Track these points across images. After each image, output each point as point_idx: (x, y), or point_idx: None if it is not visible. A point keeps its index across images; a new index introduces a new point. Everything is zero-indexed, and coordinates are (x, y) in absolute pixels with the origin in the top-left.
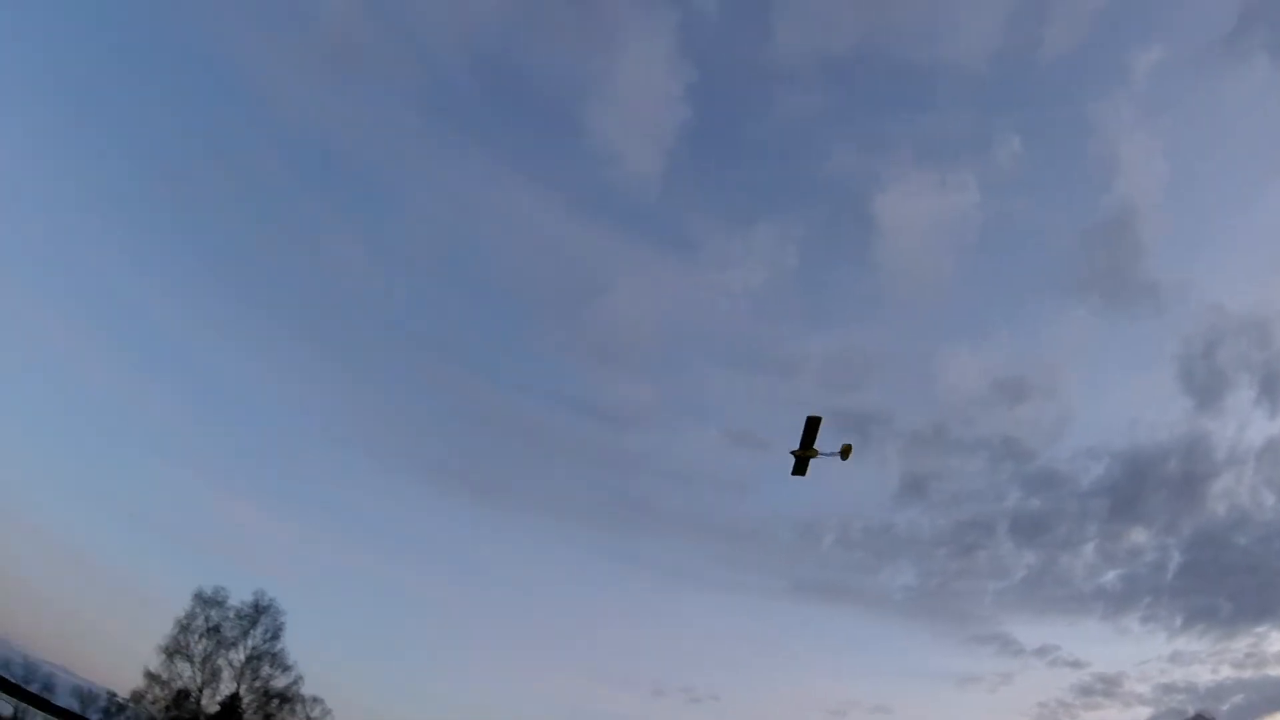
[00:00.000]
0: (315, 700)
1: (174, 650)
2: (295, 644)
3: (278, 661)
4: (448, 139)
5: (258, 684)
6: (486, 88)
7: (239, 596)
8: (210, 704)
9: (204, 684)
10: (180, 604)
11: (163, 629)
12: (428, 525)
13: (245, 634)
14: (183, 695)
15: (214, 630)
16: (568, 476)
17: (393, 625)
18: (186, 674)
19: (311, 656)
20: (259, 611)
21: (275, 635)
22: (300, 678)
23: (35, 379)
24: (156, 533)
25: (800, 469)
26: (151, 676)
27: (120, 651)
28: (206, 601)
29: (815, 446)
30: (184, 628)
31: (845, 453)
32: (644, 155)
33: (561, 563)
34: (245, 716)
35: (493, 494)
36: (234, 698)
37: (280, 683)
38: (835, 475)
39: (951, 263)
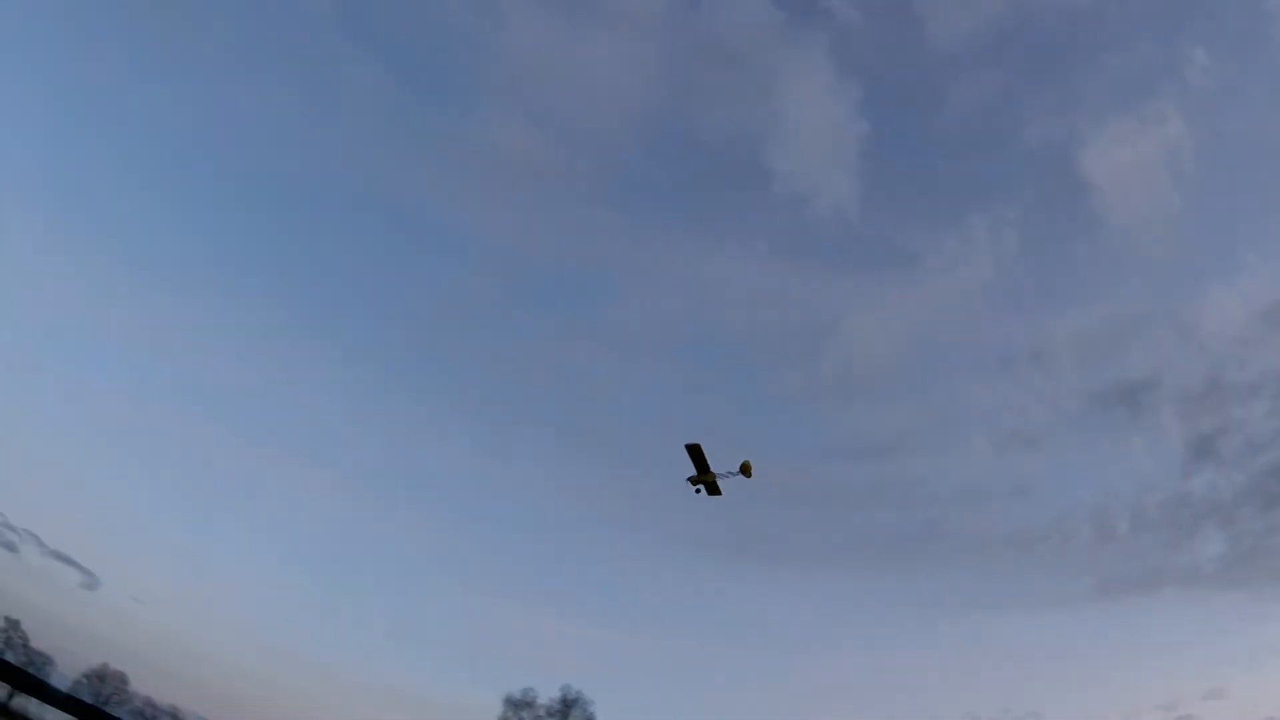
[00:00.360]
0: None
1: None
2: None
3: None
4: (643, 221)
5: None
6: (666, 163)
7: (547, 695)
8: None
9: None
10: (493, 712)
11: None
12: (712, 595)
13: None
14: None
15: None
16: (840, 522)
17: (694, 697)
18: None
19: None
20: (568, 705)
21: None
22: None
23: (336, 538)
24: (463, 654)
25: (714, 490)
26: None
27: None
28: (517, 704)
29: (711, 469)
30: None
31: (746, 470)
32: (835, 183)
33: (850, 610)
34: None
35: (769, 554)
36: None
37: None
38: (1115, 456)
39: (1177, 200)
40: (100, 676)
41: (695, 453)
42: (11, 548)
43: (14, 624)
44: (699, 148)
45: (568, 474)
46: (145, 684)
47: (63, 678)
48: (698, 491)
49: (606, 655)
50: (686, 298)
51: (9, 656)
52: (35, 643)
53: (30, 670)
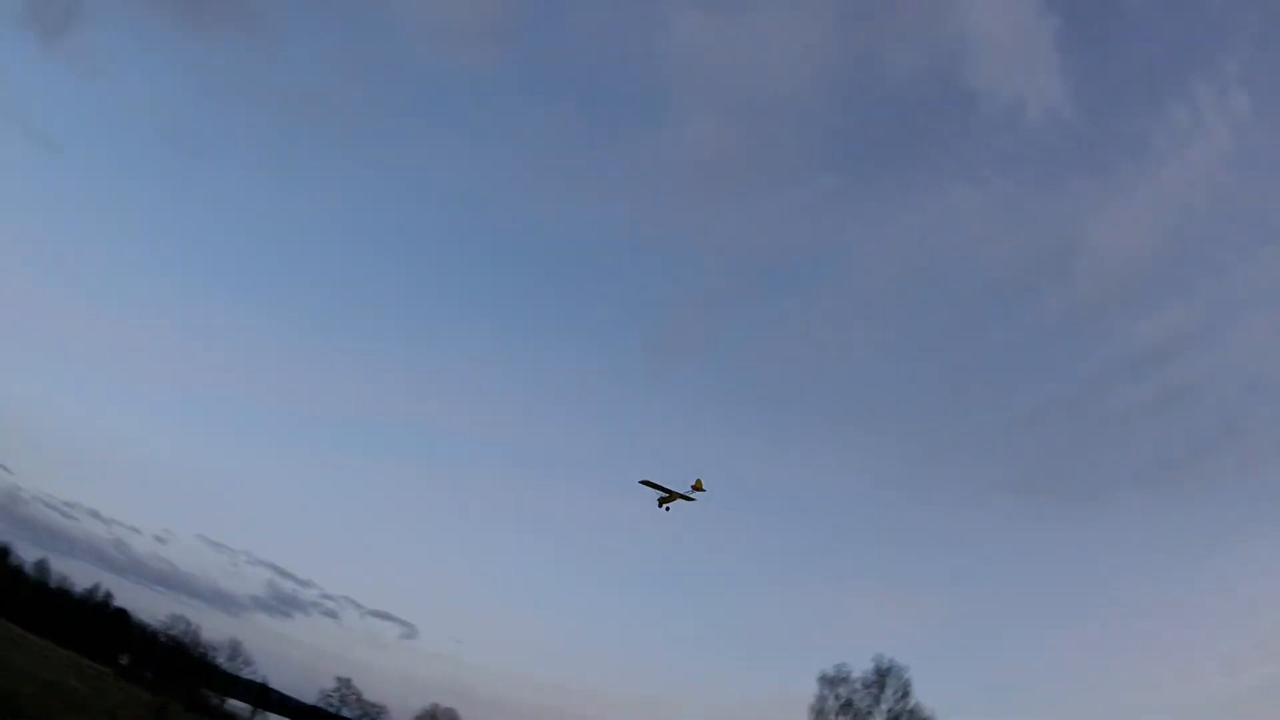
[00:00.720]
0: None
1: None
2: (930, 695)
3: (916, 716)
4: (856, 180)
5: None
6: (865, 117)
7: (860, 668)
8: None
9: None
10: (810, 692)
11: None
12: (1006, 541)
13: (877, 700)
14: None
15: (846, 705)
16: (1129, 441)
17: (1004, 648)
18: None
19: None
20: (883, 675)
21: (905, 693)
22: None
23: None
24: (774, 644)
25: (687, 499)
26: None
27: None
28: (832, 681)
29: (672, 490)
30: (818, 712)
31: (697, 486)
32: (1041, 87)
33: (1155, 535)
34: None
35: (1061, 489)
36: None
37: None
38: None
39: None
40: (431, 716)
41: (651, 485)
42: (333, 614)
43: (346, 682)
44: (893, 90)
45: (842, 447)
46: (475, 716)
47: None
48: (667, 510)
49: (915, 620)
50: (920, 245)
51: (345, 712)
52: (368, 695)
53: None
